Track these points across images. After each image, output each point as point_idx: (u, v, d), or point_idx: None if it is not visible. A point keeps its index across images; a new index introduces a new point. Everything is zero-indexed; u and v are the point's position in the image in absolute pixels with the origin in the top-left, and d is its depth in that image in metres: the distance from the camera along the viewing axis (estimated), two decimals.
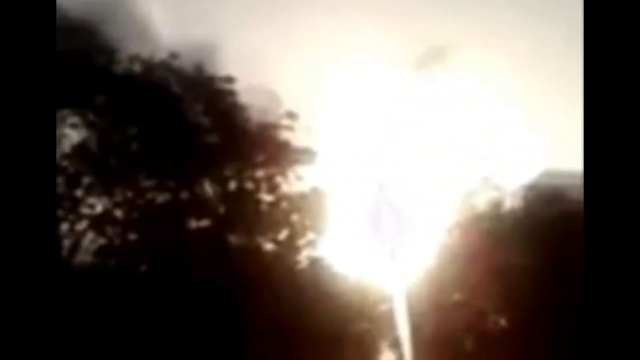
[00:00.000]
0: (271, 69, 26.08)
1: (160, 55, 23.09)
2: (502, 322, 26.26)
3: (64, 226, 20.84)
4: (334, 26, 29.68)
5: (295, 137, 23.91)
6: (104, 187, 21.77)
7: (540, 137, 28.37)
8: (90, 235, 21.29)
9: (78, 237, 21.15)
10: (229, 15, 30.28)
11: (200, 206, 22.81)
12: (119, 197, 22.04)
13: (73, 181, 21.39)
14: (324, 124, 25.76)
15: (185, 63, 23.47)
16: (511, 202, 26.26)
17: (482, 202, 27.02)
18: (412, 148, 28.15)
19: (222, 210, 23.02)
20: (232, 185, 23.27)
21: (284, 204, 23.42)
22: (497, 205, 26.13)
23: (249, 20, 29.51)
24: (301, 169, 23.76)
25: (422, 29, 30.80)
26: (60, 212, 21.10)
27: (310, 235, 23.43)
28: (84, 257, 20.96)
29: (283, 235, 23.20)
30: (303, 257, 23.54)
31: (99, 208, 21.78)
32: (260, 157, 23.45)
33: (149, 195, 22.42)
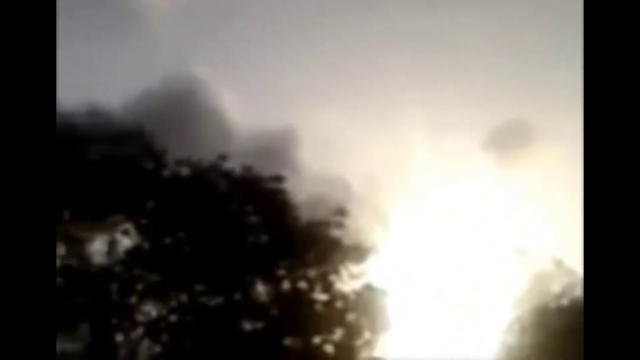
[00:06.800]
0: (343, 157, 29.21)
1: (210, 157, 26.50)
2: None
3: (119, 336, 24.06)
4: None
5: (346, 234, 26.86)
6: (158, 293, 24.94)
7: None
8: (146, 343, 24.38)
9: (134, 346, 24.25)
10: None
11: (253, 308, 25.56)
12: (173, 302, 25.14)
13: (127, 288, 24.70)
14: (391, 215, 28.44)
15: (234, 164, 26.75)
16: (580, 290, 28.09)
17: (550, 288, 29.04)
18: (473, 236, 30.66)
19: (275, 311, 25.86)
20: (285, 285, 26.06)
21: (339, 303, 25.57)
22: (564, 294, 28.04)
23: (322, 105, 32.82)
24: (354, 267, 26.68)
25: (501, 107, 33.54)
26: (114, 321, 24.38)
27: (367, 335, 25.78)
28: None
29: (338, 335, 25.46)
30: (360, 359, 25.55)
31: (153, 314, 24.95)
32: (312, 256, 25.96)
33: (203, 299, 25.44)
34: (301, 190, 27.15)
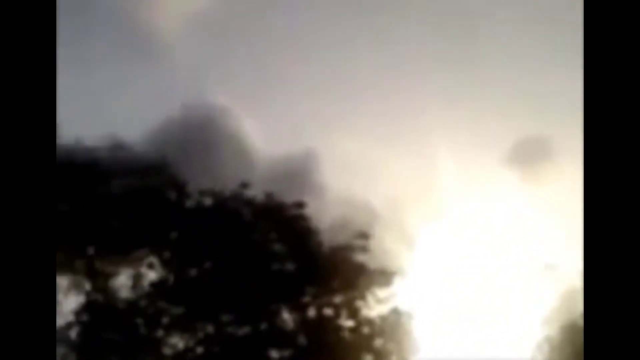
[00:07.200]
0: (365, 179, 29.37)
1: (232, 185, 26.82)
2: None
3: None
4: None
5: (371, 258, 27.03)
6: (185, 325, 25.23)
7: None
8: None
9: None
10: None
11: (280, 336, 25.54)
12: (200, 334, 25.31)
13: (154, 322, 25.00)
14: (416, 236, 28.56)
15: (256, 191, 27.03)
16: None
17: (580, 305, 29.03)
18: (500, 254, 30.69)
19: (302, 339, 26.03)
20: (311, 312, 26.19)
21: (366, 329, 25.71)
22: None
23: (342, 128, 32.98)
24: (380, 291, 26.85)
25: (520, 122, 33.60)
26: (142, 355, 24.66)
27: None
28: None
29: None
30: None
31: (180, 346, 25.23)
32: (337, 282, 26.00)
33: (230, 329, 25.68)
34: (324, 214, 27.36)
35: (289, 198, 26.74)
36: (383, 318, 26.08)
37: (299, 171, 28.98)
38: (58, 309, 23.40)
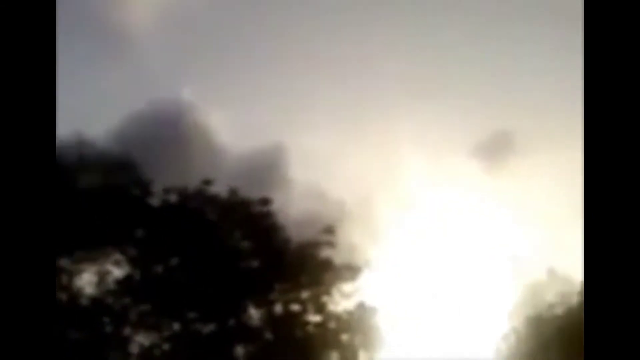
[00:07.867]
0: (333, 173, 29.50)
1: (197, 182, 26.75)
2: None
3: None
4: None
5: (337, 253, 27.14)
6: (151, 322, 25.24)
7: None
8: None
9: None
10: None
11: (247, 333, 25.56)
12: (166, 331, 25.25)
13: (119, 319, 25.00)
14: (383, 230, 28.76)
15: (223, 187, 26.96)
16: (577, 299, 28.46)
17: (546, 297, 29.44)
18: (467, 247, 31.01)
19: (269, 334, 26.14)
20: (278, 308, 26.25)
21: (332, 324, 25.93)
22: (561, 303, 28.40)
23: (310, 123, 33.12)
24: (346, 285, 26.87)
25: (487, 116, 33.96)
26: (108, 353, 24.66)
27: (362, 355, 26.15)
28: None
29: (335, 357, 25.66)
30: None
31: (146, 344, 25.19)
32: (303, 277, 26.08)
33: (196, 326, 25.76)
34: (291, 209, 27.45)
35: (255, 193, 26.74)
36: (349, 313, 26.23)
37: (266, 166, 29.04)
38: None
